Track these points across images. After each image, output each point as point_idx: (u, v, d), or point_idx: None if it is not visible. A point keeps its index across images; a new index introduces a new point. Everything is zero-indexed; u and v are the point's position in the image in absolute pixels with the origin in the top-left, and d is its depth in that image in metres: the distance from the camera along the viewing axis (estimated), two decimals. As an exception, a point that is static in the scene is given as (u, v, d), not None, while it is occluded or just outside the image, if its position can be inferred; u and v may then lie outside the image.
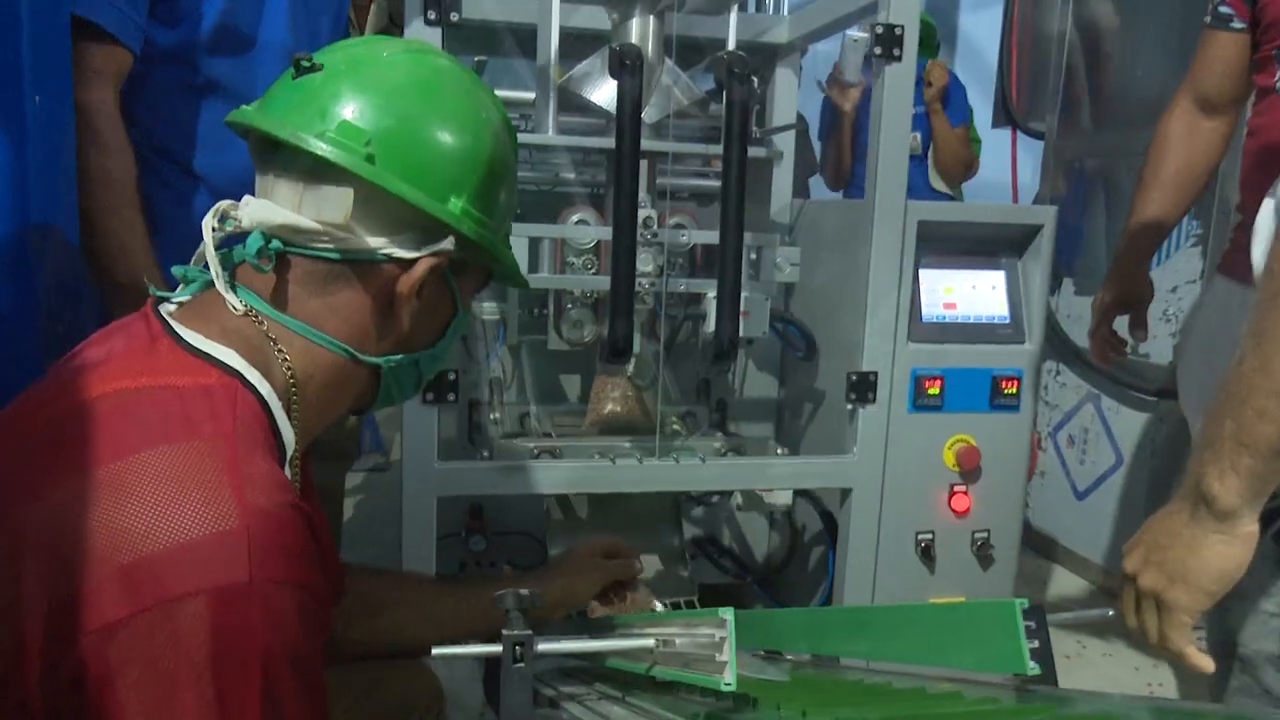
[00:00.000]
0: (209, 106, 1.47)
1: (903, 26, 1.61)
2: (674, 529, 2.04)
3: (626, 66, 1.47)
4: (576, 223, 1.73)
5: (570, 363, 2.04)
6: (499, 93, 1.85)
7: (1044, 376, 3.11)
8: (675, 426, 1.96)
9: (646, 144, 1.56)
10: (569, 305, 1.72)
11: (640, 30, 1.66)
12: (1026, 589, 2.54)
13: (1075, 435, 3.04)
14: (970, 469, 1.82)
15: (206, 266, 0.85)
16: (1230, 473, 0.86)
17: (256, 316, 0.84)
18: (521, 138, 1.72)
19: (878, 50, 1.62)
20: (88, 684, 0.64)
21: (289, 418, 0.84)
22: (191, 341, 0.80)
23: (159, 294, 0.86)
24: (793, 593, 2.10)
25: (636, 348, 1.66)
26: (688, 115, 1.75)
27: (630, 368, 1.76)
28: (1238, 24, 1.55)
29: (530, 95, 1.80)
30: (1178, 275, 2.62)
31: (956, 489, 1.83)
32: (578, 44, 1.78)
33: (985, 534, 1.85)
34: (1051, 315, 2.95)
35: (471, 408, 1.94)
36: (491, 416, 1.93)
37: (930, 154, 3.42)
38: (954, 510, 1.83)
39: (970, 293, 1.85)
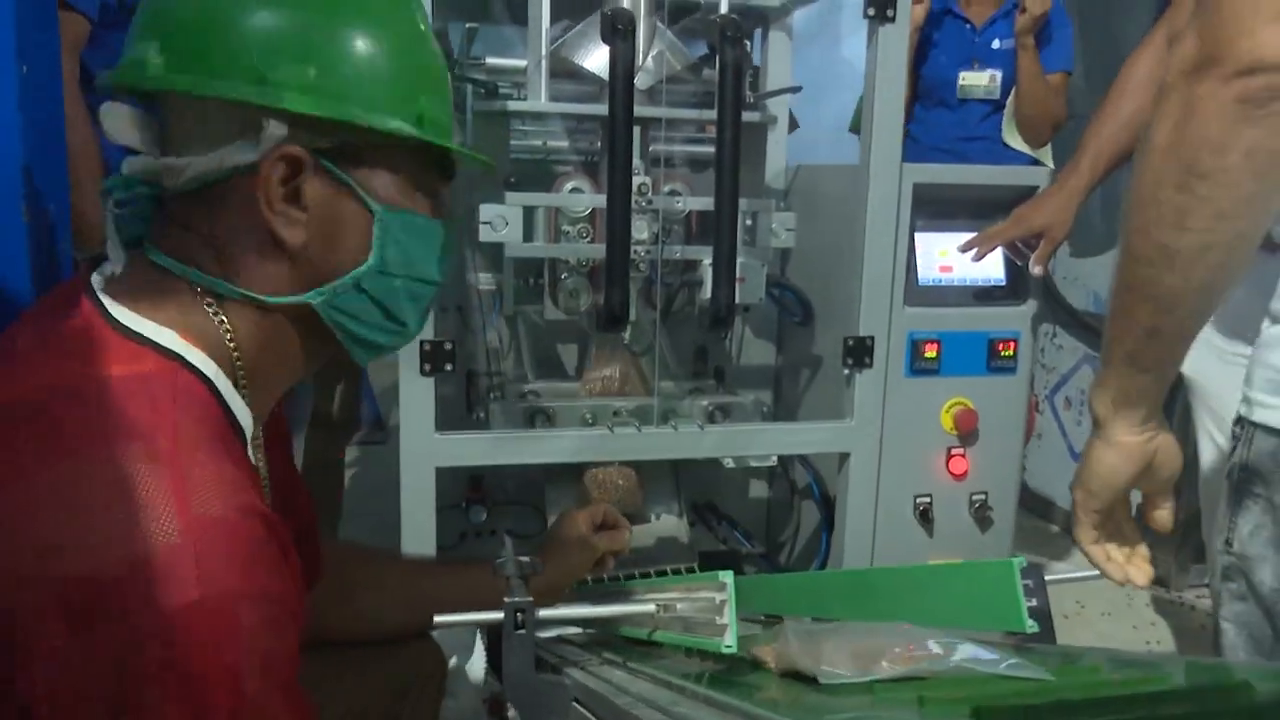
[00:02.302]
0: None
1: (897, -13, 1.60)
2: (672, 495, 2.05)
3: (618, 31, 1.46)
4: (570, 191, 1.72)
5: (567, 332, 2.04)
6: (491, 60, 1.84)
7: (1041, 339, 3.11)
8: (674, 394, 1.96)
9: (639, 110, 1.55)
10: (564, 274, 1.72)
11: (632, -6, 1.64)
12: (1024, 550, 2.55)
13: (1072, 397, 3.05)
14: (968, 432, 1.82)
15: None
16: (1099, 387, 0.96)
17: (191, 284, 0.75)
18: (514, 106, 1.70)
19: (870, 11, 1.60)
20: (36, 715, 0.59)
21: (239, 393, 0.77)
22: (125, 322, 0.73)
23: (86, 258, 0.79)
24: (792, 558, 2.11)
25: (633, 316, 1.66)
26: (681, 80, 1.74)
27: (626, 336, 1.76)
28: None
29: (522, 63, 1.78)
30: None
31: (954, 452, 1.84)
32: (569, 8, 1.76)
33: (983, 496, 1.86)
34: (1048, 277, 2.94)
35: (469, 378, 1.94)
36: (489, 387, 1.93)
37: (1010, 101, 2.75)
38: (952, 473, 1.84)
39: (966, 255, 1.85)
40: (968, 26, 2.75)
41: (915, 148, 2.74)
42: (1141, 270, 0.85)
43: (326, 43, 0.76)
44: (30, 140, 0.93)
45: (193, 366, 0.72)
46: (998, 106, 2.76)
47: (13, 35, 0.90)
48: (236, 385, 0.76)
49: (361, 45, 0.77)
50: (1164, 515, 1.03)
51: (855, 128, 3.70)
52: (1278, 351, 0.97)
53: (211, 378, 0.73)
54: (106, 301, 0.74)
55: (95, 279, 0.76)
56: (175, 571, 0.60)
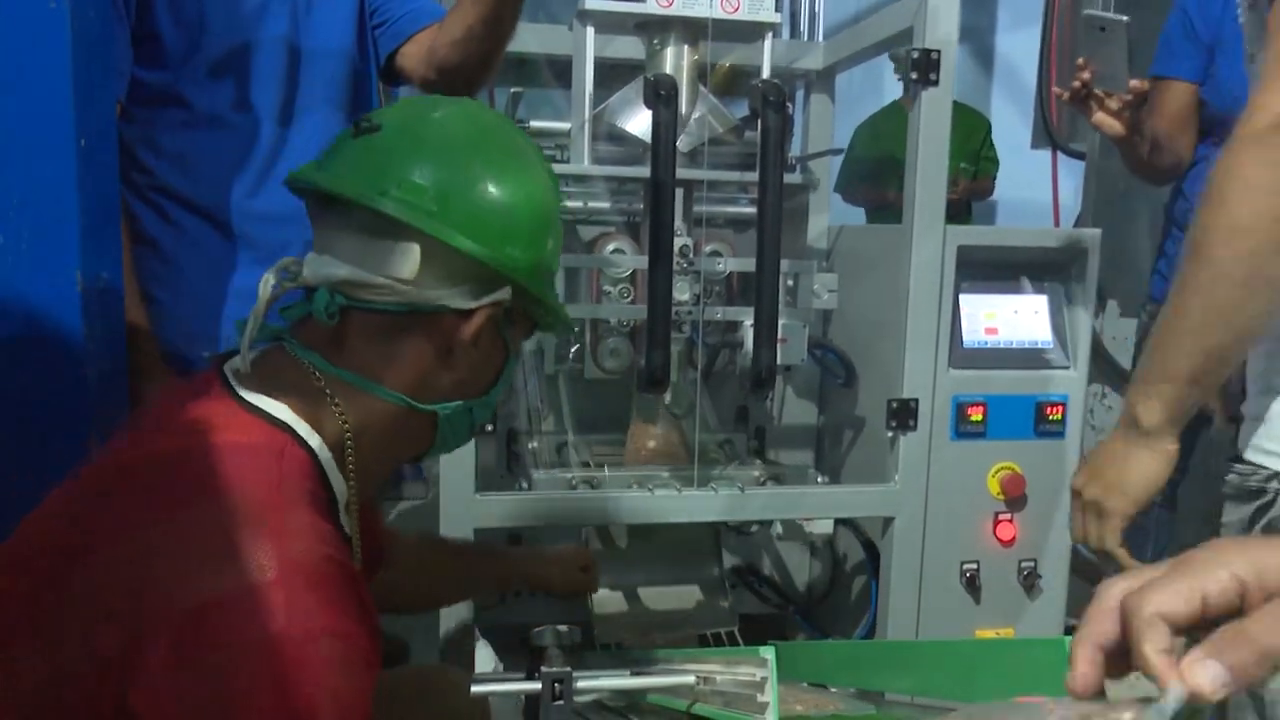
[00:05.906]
0: (211, 141, 1.43)
1: (939, 51, 1.60)
2: (713, 558, 2.02)
3: (661, 96, 1.47)
4: (613, 252, 1.73)
5: (608, 392, 2.03)
6: (535, 124, 1.87)
7: (1090, 400, 3.05)
8: (714, 455, 1.94)
9: (682, 172, 1.56)
10: (606, 334, 1.72)
11: (675, 59, 1.66)
12: (1075, 619, 2.47)
13: (1123, 459, 2.97)
14: (1015, 497, 1.78)
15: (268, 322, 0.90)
16: (1152, 399, 1.04)
17: (314, 373, 0.88)
18: (557, 168, 1.72)
19: (914, 75, 1.60)
20: None
21: (342, 469, 0.88)
22: (247, 399, 0.85)
23: (221, 352, 0.91)
24: (835, 622, 2.06)
25: (674, 376, 1.65)
26: (723, 142, 1.75)
27: (667, 397, 1.75)
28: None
29: (566, 125, 1.81)
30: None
31: (1001, 517, 1.80)
32: (613, 73, 1.79)
33: (1032, 563, 1.81)
34: (1097, 338, 2.90)
35: (509, 437, 1.94)
36: (529, 446, 1.93)
37: None
38: (999, 539, 1.80)
39: (1012, 317, 1.82)
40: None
41: (1184, 206, 2.11)
42: (1228, 292, 0.94)
43: (545, 236, 0.95)
44: (88, 211, 0.95)
45: (300, 438, 0.83)
46: None
47: (70, 110, 0.93)
48: (342, 463, 0.87)
49: (552, 243, 0.97)
50: None
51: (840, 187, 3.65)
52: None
53: (316, 450, 0.84)
54: (235, 384, 0.86)
55: (229, 365, 0.89)
56: (268, 606, 0.69)
